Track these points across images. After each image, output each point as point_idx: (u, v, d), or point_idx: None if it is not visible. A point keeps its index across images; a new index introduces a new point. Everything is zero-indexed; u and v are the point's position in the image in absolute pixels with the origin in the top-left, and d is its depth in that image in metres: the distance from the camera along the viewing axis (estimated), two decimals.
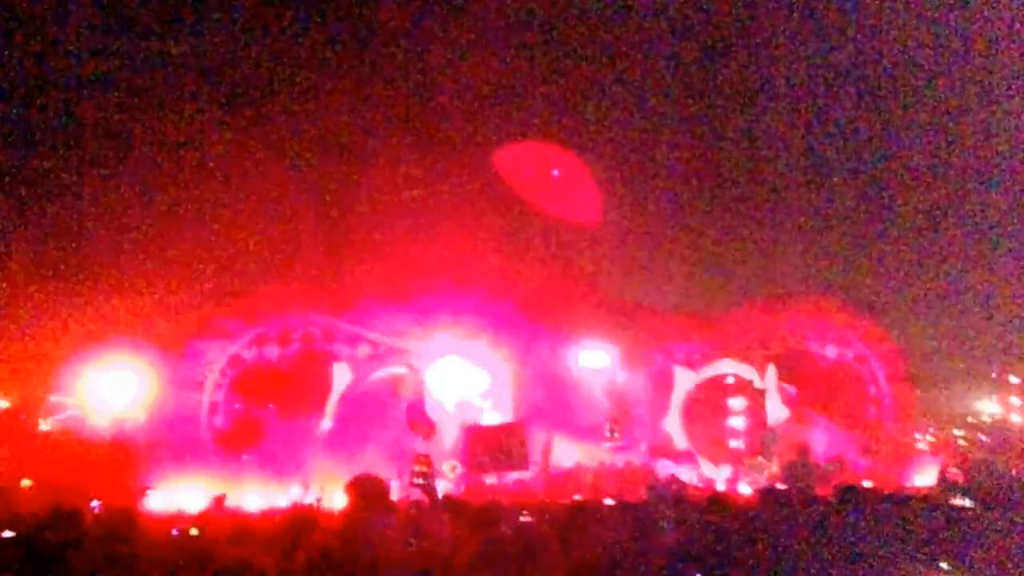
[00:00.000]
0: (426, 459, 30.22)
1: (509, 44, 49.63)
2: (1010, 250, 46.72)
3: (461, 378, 40.63)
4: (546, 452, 38.53)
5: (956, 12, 46.97)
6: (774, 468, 39.15)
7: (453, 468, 34.22)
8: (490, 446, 32.47)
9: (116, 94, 42.44)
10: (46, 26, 42.82)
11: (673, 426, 42.39)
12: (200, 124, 45.02)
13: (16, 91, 41.72)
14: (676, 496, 26.91)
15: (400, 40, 47.84)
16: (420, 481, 29.19)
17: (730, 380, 43.05)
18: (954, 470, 35.57)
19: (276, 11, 46.10)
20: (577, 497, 36.34)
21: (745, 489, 38.27)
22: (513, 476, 36.59)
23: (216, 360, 37.60)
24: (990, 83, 48.15)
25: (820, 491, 34.21)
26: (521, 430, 33.40)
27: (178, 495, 33.15)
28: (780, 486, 35.68)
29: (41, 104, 41.95)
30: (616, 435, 40.05)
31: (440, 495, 28.37)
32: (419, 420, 37.07)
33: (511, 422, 37.03)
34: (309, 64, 46.23)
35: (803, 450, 37.71)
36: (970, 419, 43.91)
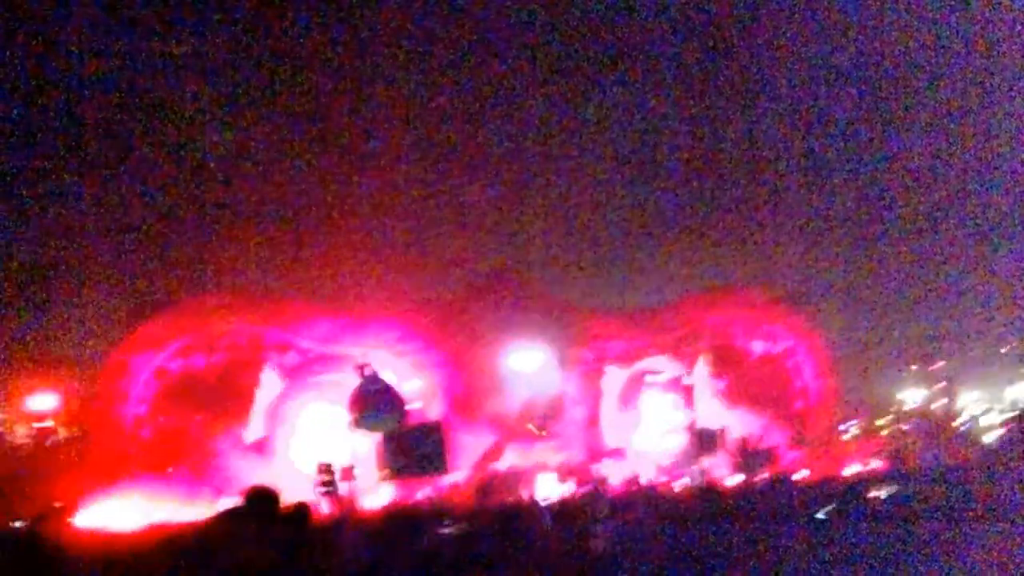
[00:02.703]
0: (326, 468, 29.65)
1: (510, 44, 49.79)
2: (930, 249, 48.01)
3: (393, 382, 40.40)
4: (489, 455, 38.65)
5: (956, 12, 48.04)
6: (705, 464, 39.81)
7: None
8: (404, 450, 31.40)
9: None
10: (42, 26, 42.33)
11: (606, 423, 42.75)
12: (130, 137, 44.60)
13: None
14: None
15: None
16: (324, 490, 28.55)
17: (660, 376, 43.56)
18: (876, 462, 36.64)
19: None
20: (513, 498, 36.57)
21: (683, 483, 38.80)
22: (446, 480, 36.59)
23: (143, 372, 37.04)
24: (990, 84, 49.45)
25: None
26: (438, 431, 32.32)
27: (106, 512, 32.70)
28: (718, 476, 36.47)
29: None
30: (544, 432, 40.29)
31: (355, 503, 28.00)
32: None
33: (427, 423, 36.29)
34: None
35: (743, 443, 38.48)
36: (893, 408, 44.95)
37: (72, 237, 39.50)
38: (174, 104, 43.81)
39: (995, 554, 18.53)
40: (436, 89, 48.10)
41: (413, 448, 29.28)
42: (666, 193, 52.51)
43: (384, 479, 30.41)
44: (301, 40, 46.84)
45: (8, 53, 41.51)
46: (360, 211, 46.35)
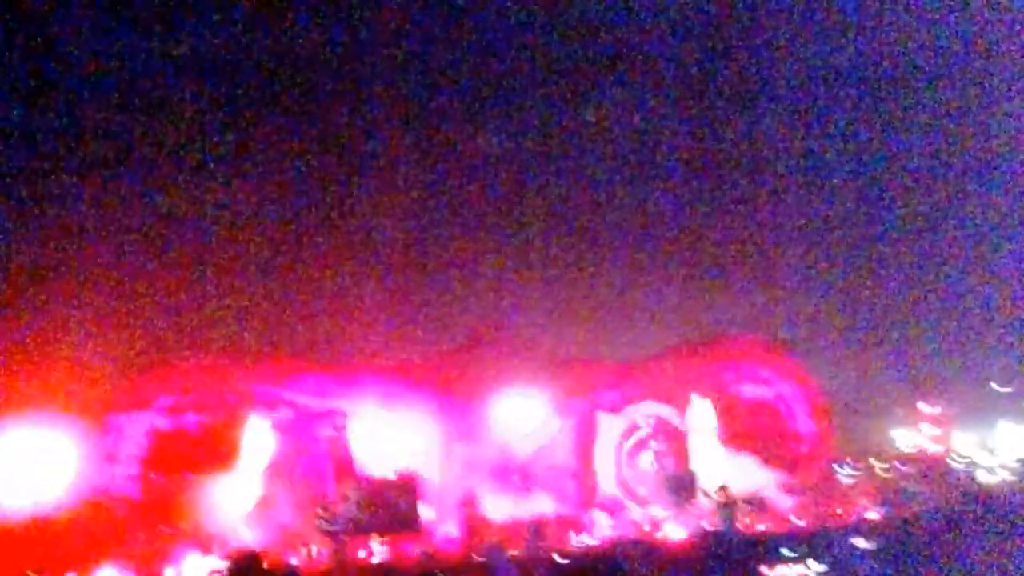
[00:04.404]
0: (325, 508, 29.33)
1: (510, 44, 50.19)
2: (916, 289, 48.20)
3: (388, 436, 40.39)
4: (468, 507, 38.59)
5: (956, 12, 48.46)
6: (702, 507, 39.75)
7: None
8: (377, 505, 30.74)
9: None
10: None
11: (601, 473, 42.67)
12: (122, 191, 44.81)
13: None
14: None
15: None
16: (325, 526, 28.19)
17: (650, 424, 43.55)
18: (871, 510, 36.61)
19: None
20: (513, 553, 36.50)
21: (678, 532, 38.65)
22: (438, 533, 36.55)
23: (133, 432, 37.02)
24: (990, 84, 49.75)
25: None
26: (413, 485, 31.57)
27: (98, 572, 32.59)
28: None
29: None
30: (530, 485, 40.38)
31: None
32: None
33: (402, 475, 35.78)
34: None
35: (723, 490, 38.32)
36: (889, 451, 44.81)
37: (56, 295, 39.51)
38: (174, 104, 44.27)
39: None
40: (435, 92, 48.48)
41: (387, 504, 28.74)
42: (656, 235, 52.73)
43: (359, 534, 29.80)
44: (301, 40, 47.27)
45: (8, 53, 41.95)
46: (350, 262, 46.54)
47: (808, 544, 26.33)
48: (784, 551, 25.94)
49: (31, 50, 42.68)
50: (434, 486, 38.03)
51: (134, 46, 43.99)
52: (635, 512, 41.17)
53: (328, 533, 28.48)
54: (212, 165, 44.42)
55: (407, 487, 30.75)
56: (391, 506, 28.85)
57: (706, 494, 35.56)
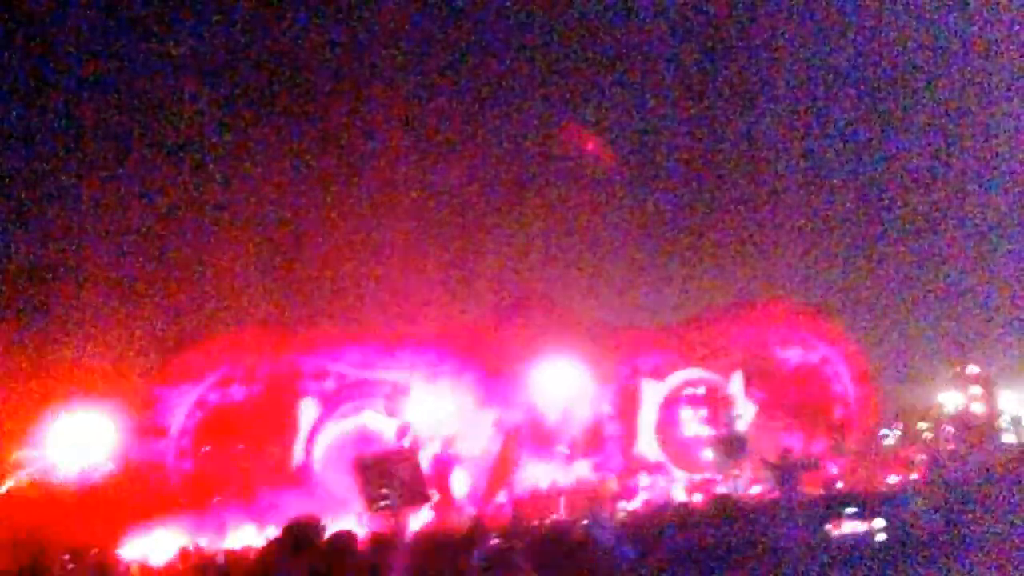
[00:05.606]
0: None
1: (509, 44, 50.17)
2: (963, 249, 47.76)
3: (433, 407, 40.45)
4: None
5: (956, 12, 47.97)
6: (746, 474, 39.57)
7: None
8: (387, 478, 30.07)
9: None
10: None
11: (644, 438, 42.65)
12: (157, 169, 45.05)
13: None
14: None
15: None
16: (383, 504, 27.67)
17: (697, 390, 43.44)
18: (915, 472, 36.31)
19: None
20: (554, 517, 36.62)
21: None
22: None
23: (182, 404, 37.43)
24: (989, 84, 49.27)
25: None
26: (413, 456, 30.76)
27: (150, 543, 33.05)
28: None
29: None
30: (579, 452, 40.42)
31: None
32: None
33: (402, 447, 35.43)
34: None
35: (785, 453, 38.01)
36: (932, 413, 44.54)
37: (105, 270, 39.91)
38: (174, 104, 44.44)
39: None
40: (438, 92, 48.41)
41: (392, 477, 27.60)
42: (695, 199, 52.48)
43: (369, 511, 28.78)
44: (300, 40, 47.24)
45: (8, 53, 42.17)
46: (391, 232, 46.62)
47: (864, 504, 26.35)
48: (846, 510, 25.99)
49: (31, 50, 42.82)
50: (473, 454, 38.22)
51: (134, 46, 44.12)
52: (678, 477, 41.09)
53: (387, 508, 28.11)
54: (261, 141, 44.51)
55: (409, 459, 29.46)
56: (401, 480, 27.46)
57: (765, 461, 35.37)
